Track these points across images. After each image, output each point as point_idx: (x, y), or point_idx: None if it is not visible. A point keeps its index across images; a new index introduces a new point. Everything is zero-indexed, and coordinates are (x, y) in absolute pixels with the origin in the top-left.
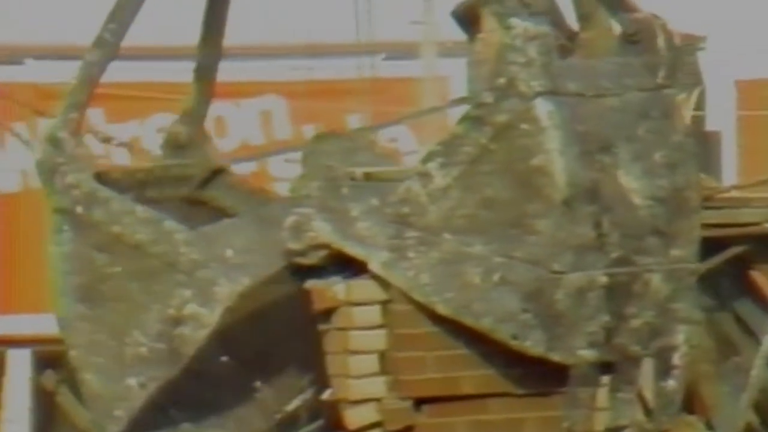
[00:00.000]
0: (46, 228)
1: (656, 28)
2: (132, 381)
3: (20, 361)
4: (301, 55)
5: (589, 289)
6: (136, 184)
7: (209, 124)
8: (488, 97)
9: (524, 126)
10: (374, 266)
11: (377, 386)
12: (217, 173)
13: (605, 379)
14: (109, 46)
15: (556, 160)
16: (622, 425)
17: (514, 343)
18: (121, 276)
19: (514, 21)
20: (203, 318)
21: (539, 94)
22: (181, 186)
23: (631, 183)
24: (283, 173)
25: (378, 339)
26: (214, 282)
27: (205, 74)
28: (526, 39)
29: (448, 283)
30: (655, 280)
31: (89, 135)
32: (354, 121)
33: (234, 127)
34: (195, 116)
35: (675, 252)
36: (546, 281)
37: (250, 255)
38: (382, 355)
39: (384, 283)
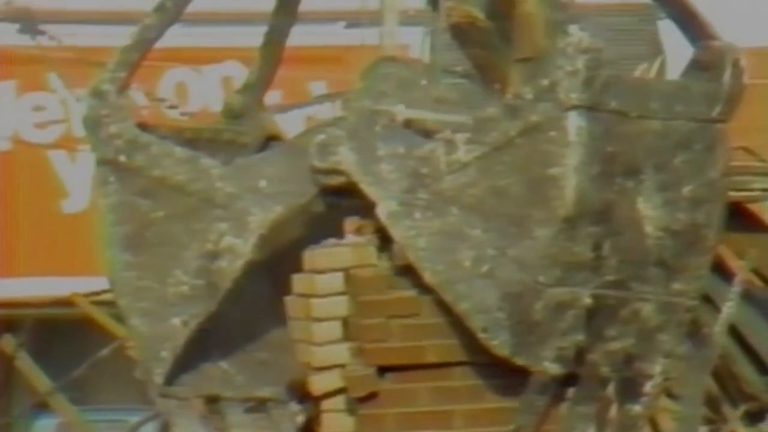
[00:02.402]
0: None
1: (727, 59)
2: (175, 320)
3: None
4: (263, 22)
5: (570, 306)
6: (184, 143)
7: (170, 90)
8: (528, 93)
9: (552, 133)
10: (381, 212)
11: (341, 353)
12: (270, 140)
13: (568, 391)
14: (169, 12)
15: (571, 177)
16: None
17: (482, 336)
18: (163, 219)
19: (573, 29)
20: (238, 249)
21: (575, 107)
22: (232, 151)
23: (648, 211)
24: None
25: (341, 306)
26: (248, 212)
27: (272, 43)
28: (578, 50)
29: (441, 255)
30: (647, 309)
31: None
32: (316, 89)
33: (195, 93)
34: (255, 86)
35: (676, 286)
36: (528, 288)
37: (282, 184)
38: (345, 322)
39: (353, 249)
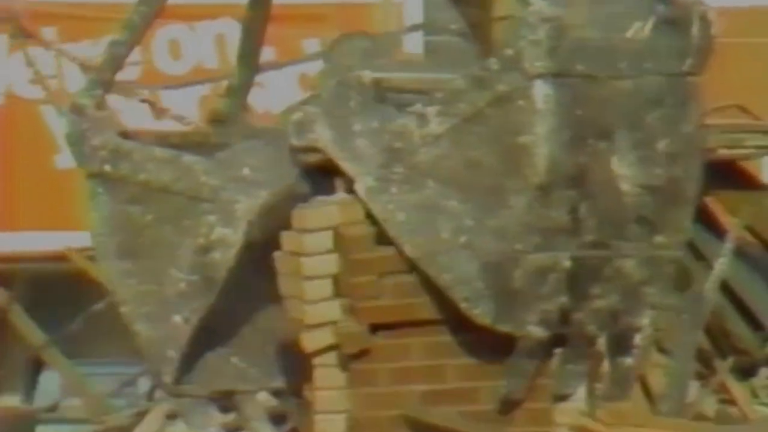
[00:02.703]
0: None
1: (694, 13)
2: (177, 318)
3: None
4: None
5: (551, 270)
6: (171, 148)
7: (163, 47)
8: (494, 64)
9: (520, 102)
10: (359, 188)
11: (333, 310)
12: None
13: (556, 351)
14: (137, 28)
15: (541, 145)
16: (567, 394)
17: (464, 306)
18: (154, 223)
19: None
20: (229, 239)
21: (540, 75)
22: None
23: (624, 170)
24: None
25: (330, 263)
26: (234, 201)
27: (249, 46)
28: (539, 19)
29: (420, 228)
30: (630, 264)
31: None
32: (310, 47)
33: (188, 50)
34: (238, 90)
35: (659, 239)
36: (507, 257)
37: (266, 171)
38: (336, 279)
39: (340, 207)
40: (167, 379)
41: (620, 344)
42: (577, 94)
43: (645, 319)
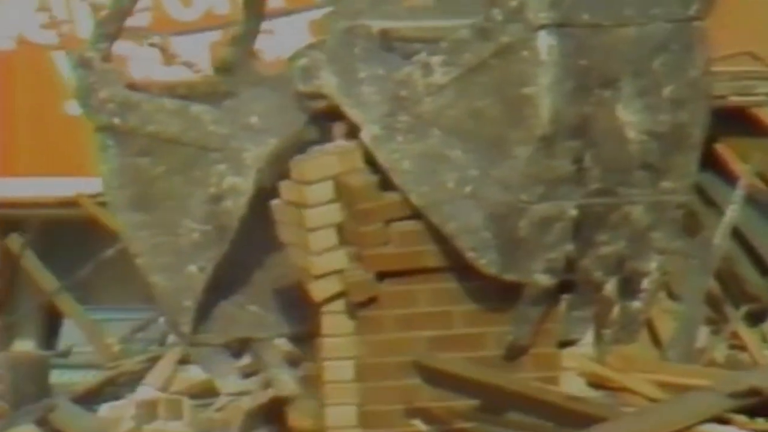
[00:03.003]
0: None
1: None
2: (192, 268)
3: None
4: None
5: (557, 219)
6: (179, 99)
7: None
8: (498, 15)
9: (524, 53)
10: (365, 135)
11: (339, 259)
12: None
13: (563, 297)
14: None
15: (545, 96)
16: (573, 339)
17: (470, 255)
18: (164, 174)
19: None
20: (240, 187)
21: (544, 26)
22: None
23: (629, 117)
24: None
25: (333, 213)
26: (243, 149)
27: None
28: None
29: (425, 177)
30: (636, 210)
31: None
32: None
33: None
34: (244, 37)
35: (665, 184)
36: (511, 207)
37: (273, 117)
38: (340, 228)
39: (339, 156)
40: (184, 328)
41: (628, 289)
42: (581, 43)
43: (652, 264)
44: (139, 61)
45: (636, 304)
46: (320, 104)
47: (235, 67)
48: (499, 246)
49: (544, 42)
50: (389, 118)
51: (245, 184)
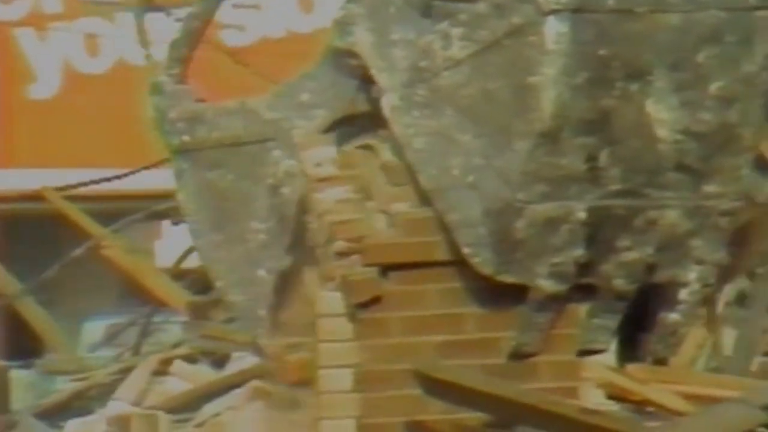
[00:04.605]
0: None
1: None
2: (261, 272)
3: None
4: None
5: (563, 220)
6: None
7: None
8: None
9: (532, 38)
10: (385, 103)
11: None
12: None
13: (583, 304)
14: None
15: (549, 88)
16: (595, 349)
17: (466, 251)
18: (234, 181)
19: None
20: (293, 169)
21: (554, 11)
22: None
23: (662, 114)
24: None
25: None
26: (293, 128)
27: None
28: None
29: (434, 158)
30: (672, 215)
31: None
32: None
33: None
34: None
35: (709, 188)
36: (508, 206)
37: (324, 93)
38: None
39: None
40: (263, 340)
41: (663, 298)
42: (603, 31)
43: (691, 274)
44: (112, 39)
45: (673, 316)
46: (355, 62)
47: None
48: (494, 245)
49: (553, 29)
50: (408, 89)
51: (299, 166)
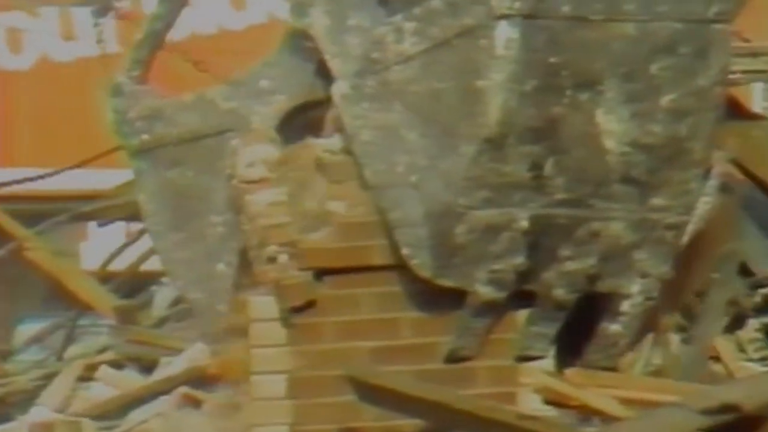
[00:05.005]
0: None
1: None
2: (220, 266)
3: None
4: None
5: (504, 228)
6: None
7: None
8: None
9: (482, 41)
10: (336, 91)
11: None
12: None
13: (521, 311)
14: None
15: (496, 94)
16: (532, 356)
17: (404, 253)
18: (194, 178)
19: None
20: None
21: (504, 16)
22: None
23: (611, 125)
24: None
25: None
26: (251, 113)
27: None
28: None
29: (380, 154)
30: (616, 227)
31: None
32: None
33: None
34: None
35: (656, 201)
36: (449, 210)
37: (284, 79)
38: None
39: None
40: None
41: (604, 309)
42: (555, 38)
43: (634, 287)
44: (35, 34)
45: (614, 327)
46: (311, 45)
47: None
48: (433, 248)
49: (503, 34)
50: (359, 79)
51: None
